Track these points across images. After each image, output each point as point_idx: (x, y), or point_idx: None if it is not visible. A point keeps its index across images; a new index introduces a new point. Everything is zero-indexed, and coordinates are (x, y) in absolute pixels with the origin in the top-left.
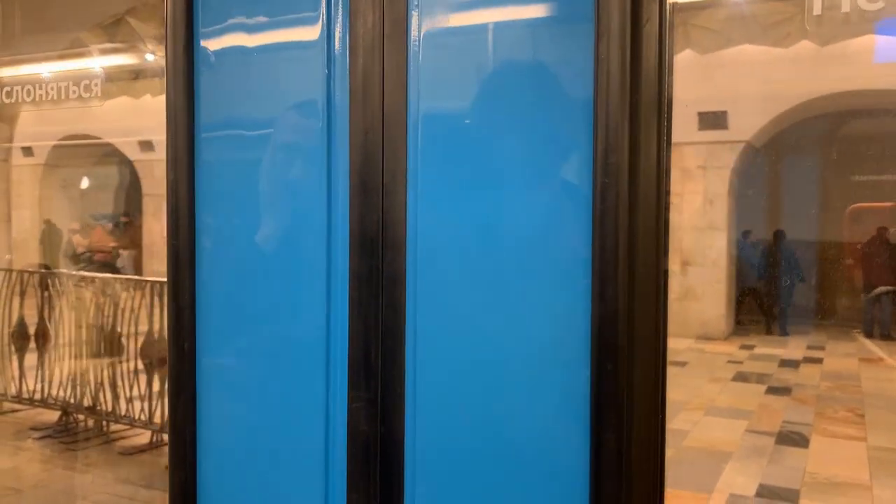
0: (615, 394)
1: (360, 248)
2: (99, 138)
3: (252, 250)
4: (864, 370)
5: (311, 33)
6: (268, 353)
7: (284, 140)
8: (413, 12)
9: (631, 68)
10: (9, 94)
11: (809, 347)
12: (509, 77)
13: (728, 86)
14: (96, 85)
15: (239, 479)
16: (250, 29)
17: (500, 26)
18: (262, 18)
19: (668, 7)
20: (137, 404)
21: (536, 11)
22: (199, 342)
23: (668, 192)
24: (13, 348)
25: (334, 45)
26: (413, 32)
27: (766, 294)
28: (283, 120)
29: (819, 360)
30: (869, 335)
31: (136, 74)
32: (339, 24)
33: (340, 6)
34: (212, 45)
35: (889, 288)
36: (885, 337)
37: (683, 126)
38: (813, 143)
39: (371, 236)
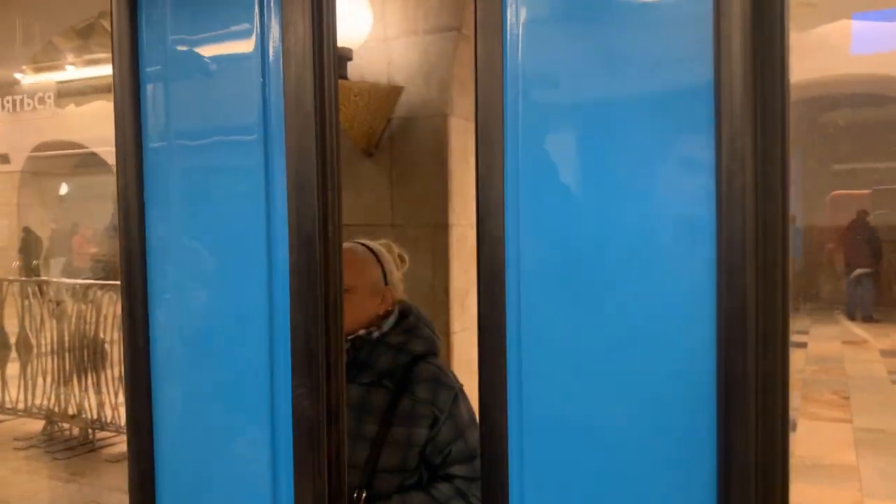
0: (744, 391)
1: (297, 243)
2: (77, 144)
3: (199, 249)
4: (847, 352)
5: (247, 45)
6: (215, 345)
7: (224, 146)
8: (510, 1)
9: (752, 47)
10: None
11: (793, 332)
12: (619, 61)
13: None
14: (49, 97)
15: (194, 468)
16: (190, 43)
17: (609, 7)
18: (200, 32)
19: None
20: (123, 411)
21: None
22: (153, 338)
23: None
24: None
25: (269, 55)
26: (510, 22)
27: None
28: (223, 127)
29: (804, 345)
30: (851, 318)
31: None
32: (272, 36)
33: (274, 17)
34: (155, 59)
35: (867, 270)
36: (867, 319)
37: None
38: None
39: (308, 232)
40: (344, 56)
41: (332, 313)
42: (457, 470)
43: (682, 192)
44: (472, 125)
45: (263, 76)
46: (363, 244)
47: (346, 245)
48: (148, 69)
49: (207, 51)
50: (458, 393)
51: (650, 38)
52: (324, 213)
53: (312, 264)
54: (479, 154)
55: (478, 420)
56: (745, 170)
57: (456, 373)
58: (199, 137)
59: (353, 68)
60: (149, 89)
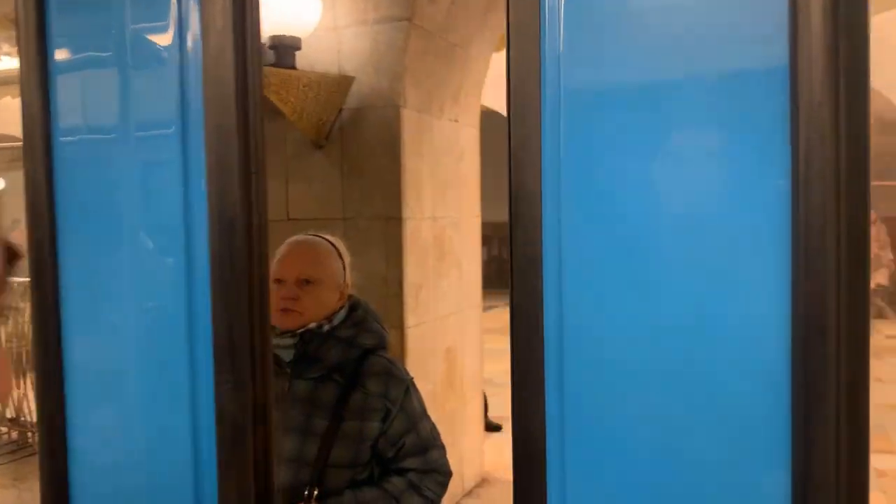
0: (825, 390)
1: (219, 228)
2: (13, 137)
3: (113, 238)
4: None
5: (163, 20)
6: (130, 339)
7: (140, 129)
8: None
9: (832, 9)
10: None
11: None
12: (678, 32)
13: None
14: None
15: (110, 468)
16: (103, 26)
17: None
18: (114, 14)
19: None
20: None
21: None
22: (65, 332)
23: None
24: None
25: (186, 30)
26: None
27: None
28: (139, 110)
29: None
30: None
31: None
32: (190, 10)
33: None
34: (64, 45)
35: None
36: None
37: None
38: None
39: (229, 216)
40: (292, 45)
41: (256, 304)
42: (409, 463)
43: (749, 172)
44: (426, 117)
45: (181, 52)
46: (322, 237)
47: (307, 238)
48: (58, 57)
49: (122, 32)
50: (409, 385)
51: (713, 7)
52: (247, 198)
53: (235, 251)
54: (511, 129)
55: (510, 418)
56: (825, 141)
57: (412, 369)
58: (113, 123)
59: (301, 58)
60: (59, 79)
